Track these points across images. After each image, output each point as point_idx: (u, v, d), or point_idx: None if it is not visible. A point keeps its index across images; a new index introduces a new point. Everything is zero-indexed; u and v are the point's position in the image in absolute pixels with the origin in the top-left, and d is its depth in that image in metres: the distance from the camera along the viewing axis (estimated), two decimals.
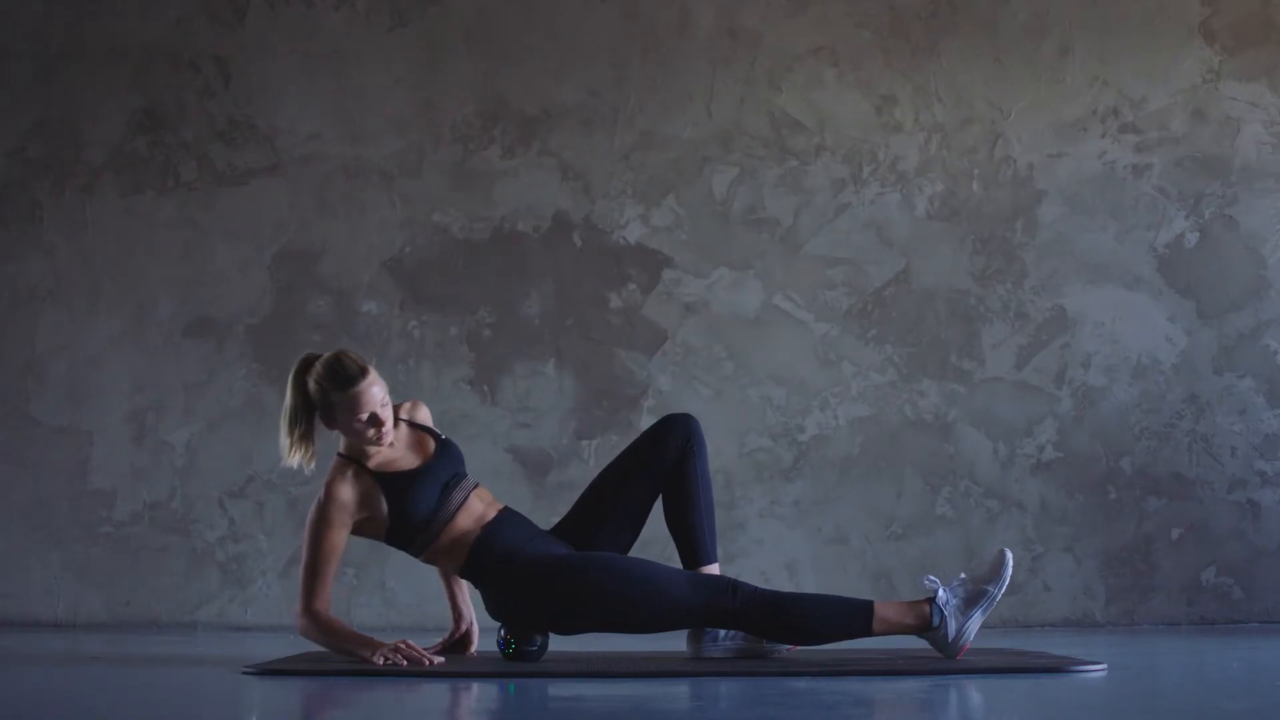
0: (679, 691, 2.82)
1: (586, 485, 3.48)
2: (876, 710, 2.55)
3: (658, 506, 3.43)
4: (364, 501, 3.24)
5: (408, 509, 3.24)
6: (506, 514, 3.32)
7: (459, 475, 3.33)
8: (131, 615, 4.79)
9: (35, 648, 3.98)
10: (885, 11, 4.97)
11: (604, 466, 3.48)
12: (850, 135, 4.94)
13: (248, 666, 3.18)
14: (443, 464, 3.32)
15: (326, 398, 3.23)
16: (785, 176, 4.92)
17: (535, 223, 4.93)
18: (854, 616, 3.18)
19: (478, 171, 4.94)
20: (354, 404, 3.21)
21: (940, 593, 3.20)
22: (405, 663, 3.10)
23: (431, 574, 4.63)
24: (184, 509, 4.84)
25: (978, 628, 3.21)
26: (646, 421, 4.77)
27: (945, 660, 3.19)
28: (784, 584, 4.72)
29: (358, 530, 3.28)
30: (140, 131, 4.97)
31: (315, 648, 3.84)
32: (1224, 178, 4.91)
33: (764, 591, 3.18)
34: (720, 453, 4.81)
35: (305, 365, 3.31)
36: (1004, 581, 3.22)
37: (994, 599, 3.21)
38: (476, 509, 3.29)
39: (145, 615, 4.79)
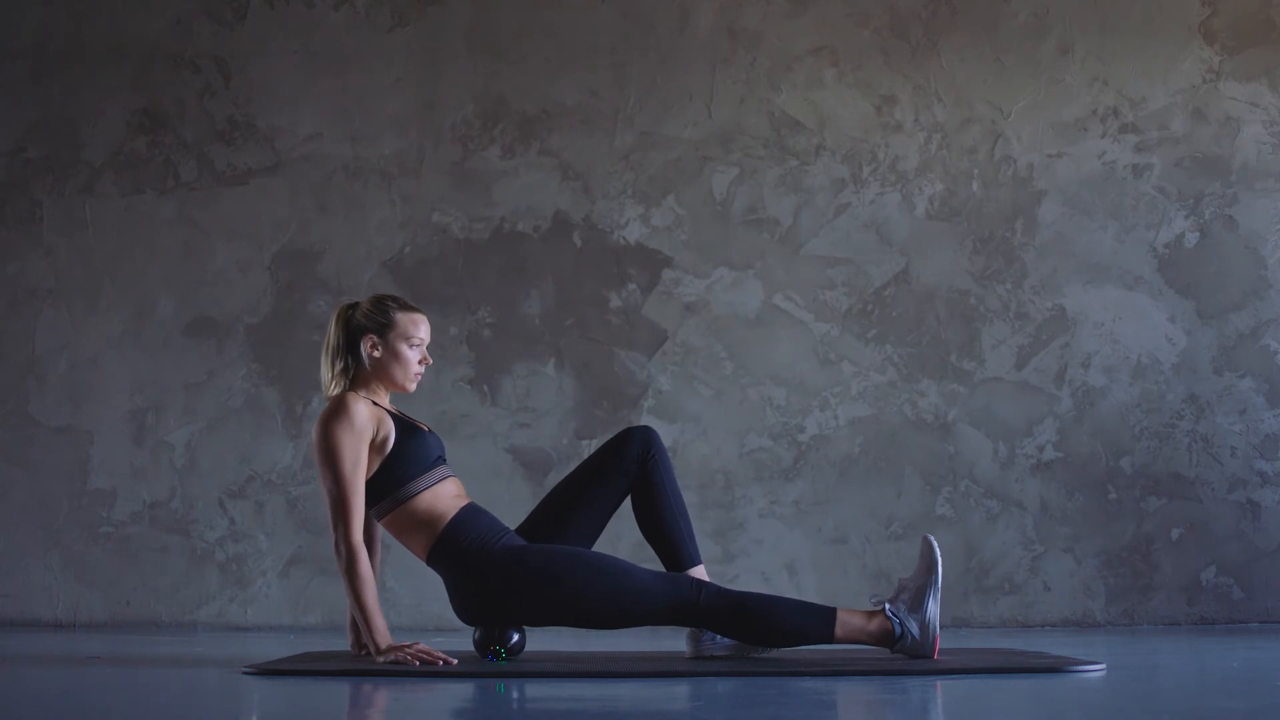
0: (679, 691, 2.82)
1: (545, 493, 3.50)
2: (876, 710, 2.55)
3: (625, 510, 3.47)
4: (377, 424, 3.26)
5: (410, 450, 3.27)
6: (477, 506, 3.36)
7: (445, 458, 3.40)
8: (131, 615, 4.79)
9: (35, 648, 3.98)
10: (885, 11, 4.97)
11: (563, 477, 3.50)
12: (850, 135, 4.94)
13: (248, 666, 3.19)
14: (438, 441, 3.40)
15: (387, 314, 3.34)
16: (785, 176, 4.93)
17: (535, 223, 4.93)
18: (816, 620, 3.20)
19: (478, 171, 4.94)
20: (416, 324, 3.34)
21: (886, 606, 3.22)
22: (417, 664, 3.11)
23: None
24: (184, 509, 4.84)
25: (938, 615, 3.22)
26: (646, 421, 4.77)
27: (926, 661, 3.20)
28: (784, 584, 4.73)
29: None
30: (140, 131, 4.97)
31: (315, 647, 3.84)
32: (1224, 178, 4.91)
33: (729, 590, 3.22)
34: (720, 453, 4.82)
35: (350, 305, 3.40)
36: (937, 563, 3.24)
37: (936, 582, 3.22)
38: (453, 490, 3.34)
39: (145, 615, 4.79)
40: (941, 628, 3.28)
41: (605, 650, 3.63)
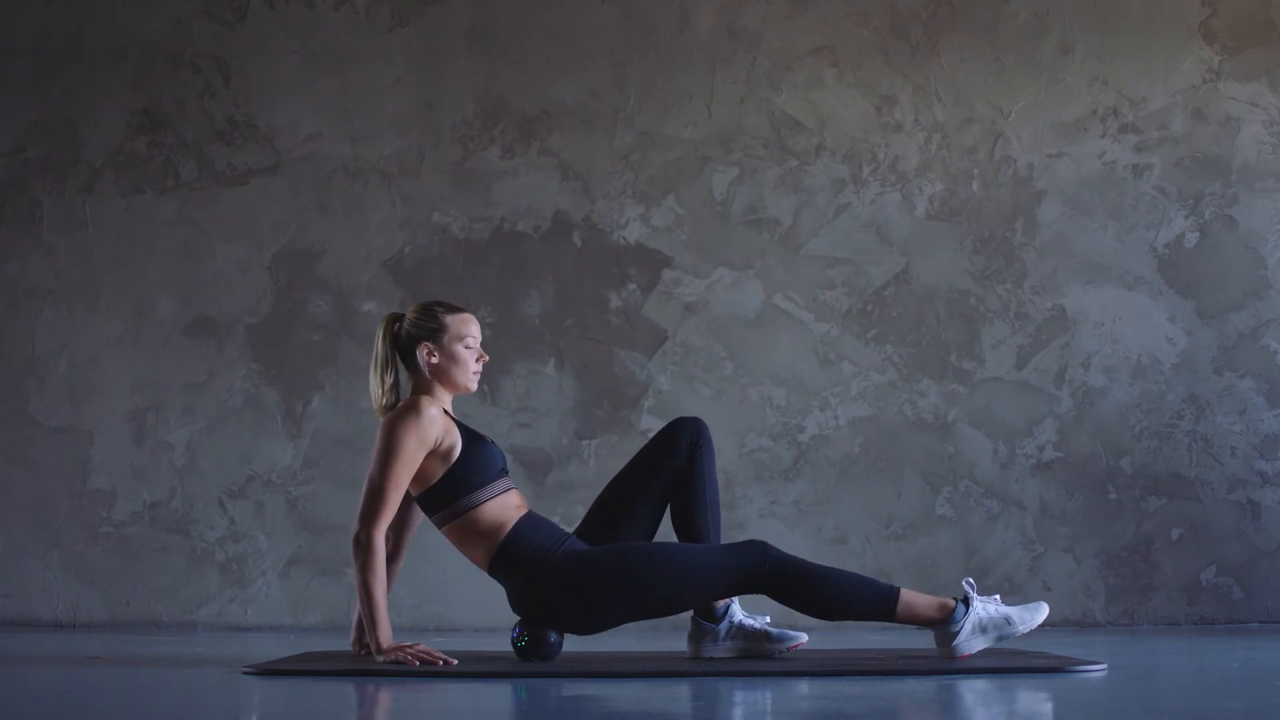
0: (679, 691, 2.82)
1: (599, 491, 3.47)
2: (877, 710, 2.55)
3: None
4: (444, 432, 3.27)
5: (475, 460, 3.28)
6: (536, 515, 3.36)
7: (507, 470, 3.40)
8: (131, 615, 4.79)
9: (35, 648, 3.98)
10: (885, 11, 4.97)
11: (615, 473, 3.48)
12: (850, 135, 4.94)
13: (248, 666, 3.19)
14: (500, 453, 3.40)
15: (435, 319, 3.34)
16: (785, 176, 4.93)
17: (535, 223, 4.93)
18: (879, 600, 3.22)
19: (478, 171, 4.94)
20: (466, 323, 3.35)
21: (975, 600, 3.23)
22: (417, 664, 3.10)
23: (432, 574, 4.64)
24: (184, 509, 4.84)
25: (978, 649, 3.23)
26: (646, 421, 4.77)
27: (944, 660, 3.20)
28: None
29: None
30: (140, 131, 4.97)
31: (315, 647, 3.84)
32: (1224, 178, 4.91)
33: (796, 558, 3.24)
34: (720, 453, 4.79)
35: (394, 316, 3.40)
36: (1030, 624, 3.26)
37: (1012, 634, 3.25)
38: (515, 501, 3.34)
39: (145, 615, 4.79)
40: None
41: (606, 650, 3.63)
